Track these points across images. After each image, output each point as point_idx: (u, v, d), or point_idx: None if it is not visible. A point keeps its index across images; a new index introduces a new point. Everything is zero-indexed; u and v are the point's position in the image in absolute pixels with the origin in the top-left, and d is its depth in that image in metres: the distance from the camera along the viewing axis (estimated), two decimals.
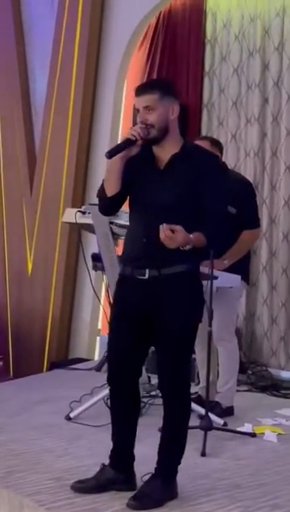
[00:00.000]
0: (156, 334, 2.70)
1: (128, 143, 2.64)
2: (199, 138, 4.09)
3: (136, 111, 2.73)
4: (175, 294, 2.66)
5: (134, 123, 2.75)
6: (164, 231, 2.53)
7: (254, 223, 4.06)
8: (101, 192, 2.75)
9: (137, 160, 2.72)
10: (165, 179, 2.67)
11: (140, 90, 2.70)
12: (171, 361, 2.69)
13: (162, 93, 2.67)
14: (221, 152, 4.11)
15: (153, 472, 2.76)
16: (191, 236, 2.58)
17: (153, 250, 2.63)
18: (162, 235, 2.53)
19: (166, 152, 2.71)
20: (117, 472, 2.81)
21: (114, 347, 2.78)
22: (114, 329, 2.79)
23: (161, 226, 2.53)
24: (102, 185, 2.76)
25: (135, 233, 2.74)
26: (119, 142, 2.60)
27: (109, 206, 2.80)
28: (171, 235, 2.53)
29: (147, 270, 2.66)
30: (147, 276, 2.66)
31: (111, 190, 2.71)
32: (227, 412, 3.92)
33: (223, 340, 3.95)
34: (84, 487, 2.79)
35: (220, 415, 3.80)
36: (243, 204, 3.88)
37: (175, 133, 2.72)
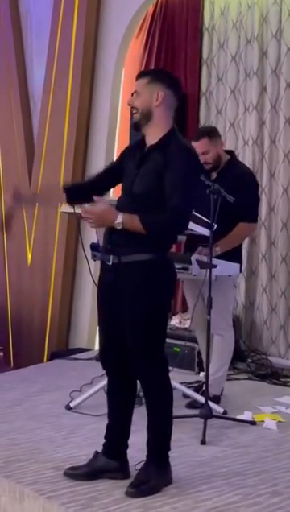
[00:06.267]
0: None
1: None
2: (194, 139, 3.98)
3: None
4: (131, 283, 2.67)
5: None
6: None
7: (251, 216, 3.98)
8: None
9: (131, 148, 2.86)
10: (138, 170, 2.71)
11: (137, 75, 2.80)
12: (132, 348, 2.70)
13: (151, 79, 2.72)
14: (219, 136, 4.08)
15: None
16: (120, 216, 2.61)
17: (116, 237, 2.68)
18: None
19: (149, 141, 2.74)
20: (109, 459, 2.83)
21: (100, 333, 2.86)
22: (98, 316, 2.86)
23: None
24: None
25: None
26: None
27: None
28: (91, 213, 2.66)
29: (111, 257, 2.71)
30: (110, 262, 2.71)
31: None
32: (213, 401, 3.77)
33: (220, 328, 3.93)
34: (77, 474, 2.82)
35: None
36: (243, 196, 3.77)
37: (160, 122, 2.71)
